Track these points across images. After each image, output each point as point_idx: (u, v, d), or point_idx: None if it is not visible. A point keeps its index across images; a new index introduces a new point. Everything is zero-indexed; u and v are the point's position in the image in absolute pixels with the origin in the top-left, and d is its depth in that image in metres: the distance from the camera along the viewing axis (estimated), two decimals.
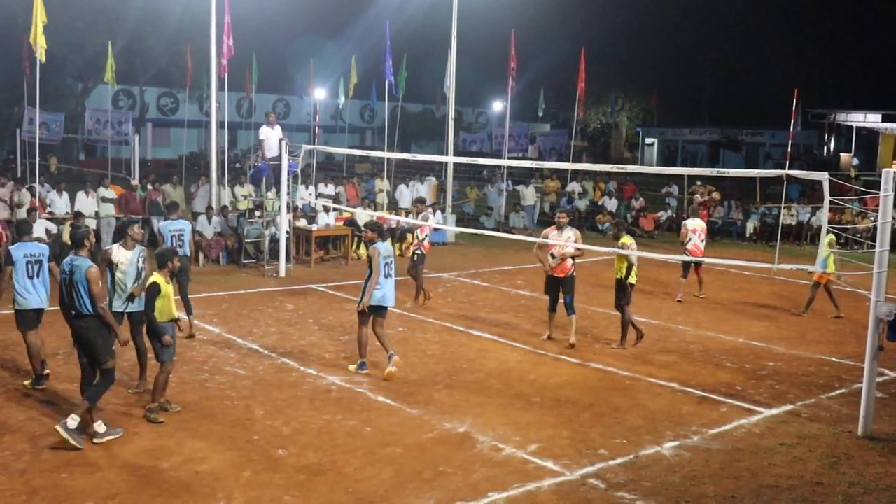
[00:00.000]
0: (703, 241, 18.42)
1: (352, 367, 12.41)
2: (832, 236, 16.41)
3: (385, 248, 12.31)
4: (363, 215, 22.73)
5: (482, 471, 8.91)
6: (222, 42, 23.59)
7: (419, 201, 18.66)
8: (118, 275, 10.71)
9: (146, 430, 9.69)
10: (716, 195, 30.09)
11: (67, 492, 8.10)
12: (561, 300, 14.17)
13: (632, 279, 14.18)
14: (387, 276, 12.19)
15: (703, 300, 18.45)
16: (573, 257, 14.12)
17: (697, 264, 18.28)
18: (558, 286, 14.16)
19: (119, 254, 10.74)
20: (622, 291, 14.17)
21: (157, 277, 10.06)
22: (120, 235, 12.67)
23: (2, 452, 8.94)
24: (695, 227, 18.48)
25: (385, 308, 12.37)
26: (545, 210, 32.19)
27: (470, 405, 11.00)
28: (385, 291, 12.20)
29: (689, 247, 18.26)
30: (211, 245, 20.95)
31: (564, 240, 14.02)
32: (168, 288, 10.11)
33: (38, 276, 11.21)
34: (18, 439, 9.30)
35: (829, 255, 15.97)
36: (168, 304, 10.03)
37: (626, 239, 14.36)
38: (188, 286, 14.22)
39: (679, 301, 18.19)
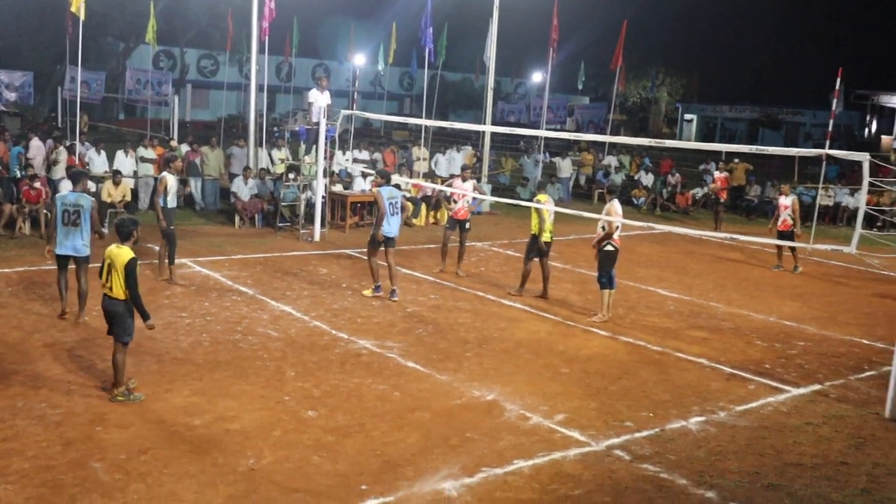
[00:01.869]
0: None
1: (367, 293, 14.59)
2: None
3: (388, 191, 14.63)
4: (400, 182, 22.80)
5: (508, 438, 8.97)
6: (264, 4, 23.63)
7: (464, 169, 18.50)
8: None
9: (179, 387, 9.83)
10: (740, 167, 30.01)
11: (101, 445, 8.25)
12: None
13: (546, 237, 14.97)
14: (393, 213, 14.59)
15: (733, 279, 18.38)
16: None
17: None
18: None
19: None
20: (533, 245, 15.04)
21: (131, 250, 9.43)
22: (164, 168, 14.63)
23: (38, 404, 9.12)
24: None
25: (393, 238, 14.71)
26: (580, 183, 32.07)
27: (499, 374, 11.06)
28: (392, 226, 14.59)
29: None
30: (247, 207, 21.05)
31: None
32: None
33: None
34: (55, 392, 9.47)
35: None
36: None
37: (542, 196, 15.20)
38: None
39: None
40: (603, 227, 14.10)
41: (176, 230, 14.98)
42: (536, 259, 15.25)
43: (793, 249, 19.20)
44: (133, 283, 9.32)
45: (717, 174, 26.59)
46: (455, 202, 16.83)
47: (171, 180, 14.87)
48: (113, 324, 9.49)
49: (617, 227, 14.08)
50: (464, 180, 17.25)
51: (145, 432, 8.60)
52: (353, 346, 11.86)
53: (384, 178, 15.21)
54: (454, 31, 34.42)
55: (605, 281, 14.13)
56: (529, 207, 15.56)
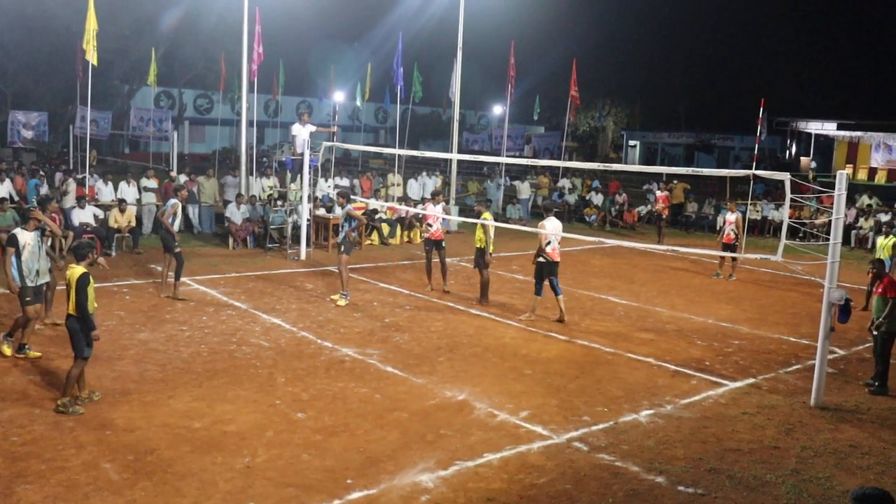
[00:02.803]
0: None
1: (335, 297, 14.95)
2: (895, 238, 16.41)
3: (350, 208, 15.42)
4: (376, 205, 22.77)
5: (479, 434, 8.93)
6: (253, 49, 23.56)
7: (434, 194, 18.42)
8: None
9: (181, 393, 9.71)
10: (679, 187, 30.29)
11: (111, 447, 8.13)
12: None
13: (490, 248, 15.17)
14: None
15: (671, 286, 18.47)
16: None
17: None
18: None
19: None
20: (482, 257, 15.17)
21: (82, 268, 9.12)
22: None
23: (53, 411, 8.97)
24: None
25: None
26: (538, 203, 32.12)
27: (469, 376, 11.01)
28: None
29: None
30: (240, 230, 20.90)
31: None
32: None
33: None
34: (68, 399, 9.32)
35: (890, 255, 15.92)
36: (92, 295, 9.12)
37: (487, 214, 15.48)
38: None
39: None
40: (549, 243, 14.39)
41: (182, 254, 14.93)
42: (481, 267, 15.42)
43: (733, 259, 19.29)
44: (84, 297, 8.94)
45: (658, 193, 26.57)
46: (430, 225, 16.71)
47: (179, 207, 15.21)
48: (71, 339, 9.13)
49: (548, 242, 14.23)
50: (435, 204, 17.15)
51: (151, 435, 8.48)
52: (337, 353, 11.78)
53: (346, 198, 15.78)
54: (423, 69, 34.42)
55: (538, 287, 14.44)
56: (528, 232, 15.59)
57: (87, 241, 9.77)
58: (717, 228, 19.71)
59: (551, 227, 14.16)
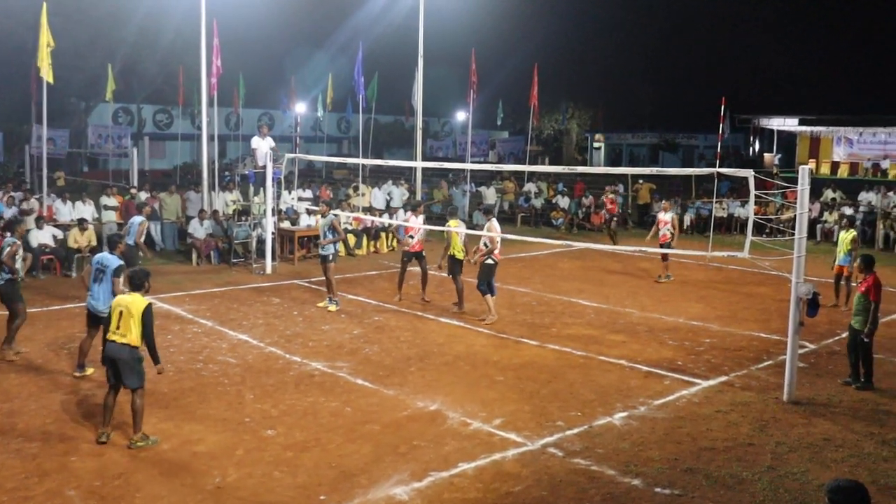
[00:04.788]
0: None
1: (323, 304, 15.38)
2: (854, 233, 16.32)
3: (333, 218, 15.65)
4: (341, 216, 22.62)
5: (452, 444, 8.87)
6: (212, 62, 23.40)
7: (416, 206, 18.04)
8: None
9: (147, 415, 9.52)
10: (644, 187, 30.48)
11: (76, 473, 7.97)
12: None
13: (461, 255, 15.23)
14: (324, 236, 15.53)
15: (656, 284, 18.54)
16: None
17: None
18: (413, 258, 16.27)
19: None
20: (456, 266, 15.24)
21: (144, 299, 8.87)
22: (111, 246, 12.76)
23: (15, 439, 8.80)
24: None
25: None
26: (504, 208, 32.17)
27: (440, 385, 10.96)
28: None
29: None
30: (203, 246, 20.69)
31: (419, 224, 16.30)
32: None
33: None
34: (30, 427, 9.15)
35: (849, 250, 15.92)
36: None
37: (453, 222, 15.40)
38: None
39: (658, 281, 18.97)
40: (485, 244, 14.57)
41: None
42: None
43: (664, 258, 19.15)
44: (151, 330, 8.80)
45: (605, 197, 26.42)
46: (412, 237, 16.48)
47: (147, 224, 15.63)
48: (123, 371, 8.72)
49: (497, 243, 14.54)
50: (417, 216, 16.94)
51: (117, 458, 8.33)
52: (306, 367, 11.67)
53: (329, 207, 16.06)
54: (385, 78, 34.38)
55: (485, 288, 14.56)
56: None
57: (142, 269, 9.31)
58: (654, 231, 19.44)
59: (498, 229, 14.44)
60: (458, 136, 51.83)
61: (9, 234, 12.98)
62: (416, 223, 16.63)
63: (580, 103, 66.55)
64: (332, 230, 15.49)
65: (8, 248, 11.84)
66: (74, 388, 10.50)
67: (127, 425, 9.12)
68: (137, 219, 15.57)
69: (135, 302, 8.75)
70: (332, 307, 15.29)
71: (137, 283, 8.94)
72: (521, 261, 21.92)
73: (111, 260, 11.01)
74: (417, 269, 16.60)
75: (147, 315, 8.72)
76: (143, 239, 15.42)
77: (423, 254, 16.61)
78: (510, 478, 8.05)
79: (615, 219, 25.60)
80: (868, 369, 11.11)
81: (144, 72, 48.06)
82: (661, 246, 19.00)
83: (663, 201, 20.70)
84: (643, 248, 16.86)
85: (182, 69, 37.81)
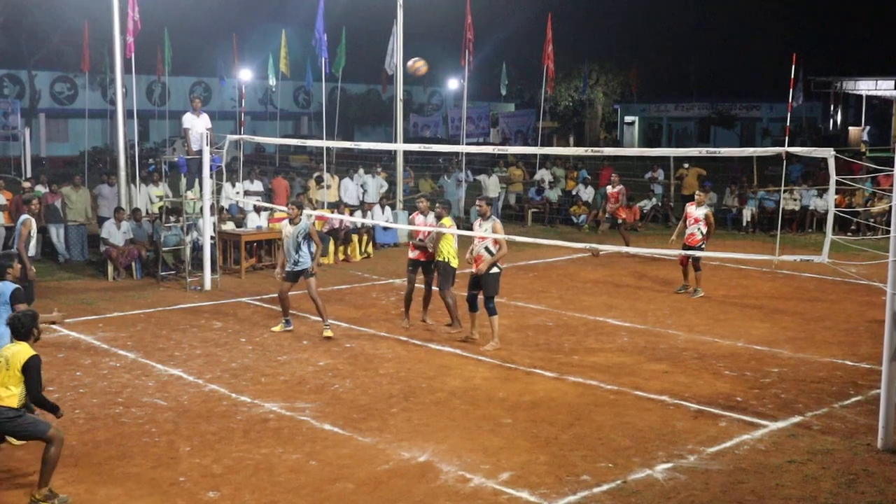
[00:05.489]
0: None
1: (326, 332, 15.29)
2: None
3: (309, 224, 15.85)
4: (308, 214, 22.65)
5: None
6: (126, 16, 23.28)
7: (432, 201, 17.83)
8: None
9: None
10: (691, 173, 30.39)
11: None
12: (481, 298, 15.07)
13: (455, 262, 15.56)
14: None
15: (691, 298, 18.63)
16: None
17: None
18: (477, 283, 14.93)
19: None
20: (447, 274, 15.47)
21: (31, 348, 8.98)
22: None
23: None
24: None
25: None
26: (511, 203, 32.26)
27: (431, 430, 11.00)
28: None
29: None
30: (122, 255, 20.68)
31: (483, 232, 14.92)
32: None
33: None
34: None
35: None
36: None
37: (448, 220, 15.60)
38: None
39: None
40: (488, 250, 14.60)
41: (34, 285, 14.65)
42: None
43: (696, 269, 19.02)
44: (37, 385, 8.87)
45: (610, 190, 25.24)
46: (422, 241, 16.06)
47: (34, 224, 14.87)
48: (7, 432, 8.97)
49: (505, 247, 14.77)
50: (425, 214, 16.23)
51: None
52: (257, 410, 11.71)
53: (300, 208, 16.06)
54: (353, 37, 34.44)
55: (494, 307, 14.68)
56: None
57: (29, 311, 9.39)
58: (683, 226, 19.21)
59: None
60: (450, 109, 52.12)
61: None
62: (428, 225, 16.05)
63: (607, 66, 66.79)
64: (308, 240, 15.56)
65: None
66: None
67: (10, 491, 9.13)
68: (21, 217, 15.34)
69: (18, 353, 8.84)
70: (328, 332, 15.33)
71: (23, 331, 9.01)
72: (532, 269, 22.01)
73: (2, 287, 10.92)
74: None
75: (32, 369, 8.79)
76: (29, 246, 14.73)
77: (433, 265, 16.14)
78: None
79: (621, 223, 24.94)
80: None
81: (37, 28, 47.87)
82: (685, 248, 18.78)
83: (697, 191, 20.48)
84: (689, 252, 16.89)
85: (87, 25, 37.76)
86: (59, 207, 22.52)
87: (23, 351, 8.84)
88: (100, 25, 32.23)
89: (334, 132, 34.82)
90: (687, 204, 20.06)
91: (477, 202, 15.72)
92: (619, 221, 24.97)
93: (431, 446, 10.46)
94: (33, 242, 15.04)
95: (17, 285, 10.93)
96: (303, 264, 15.58)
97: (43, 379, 9.04)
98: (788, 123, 25.94)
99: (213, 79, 56.17)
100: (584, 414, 11.63)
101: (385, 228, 24.99)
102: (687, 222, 19.00)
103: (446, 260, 15.38)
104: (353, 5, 46.86)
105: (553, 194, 31.68)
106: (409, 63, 15.04)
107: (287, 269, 15.73)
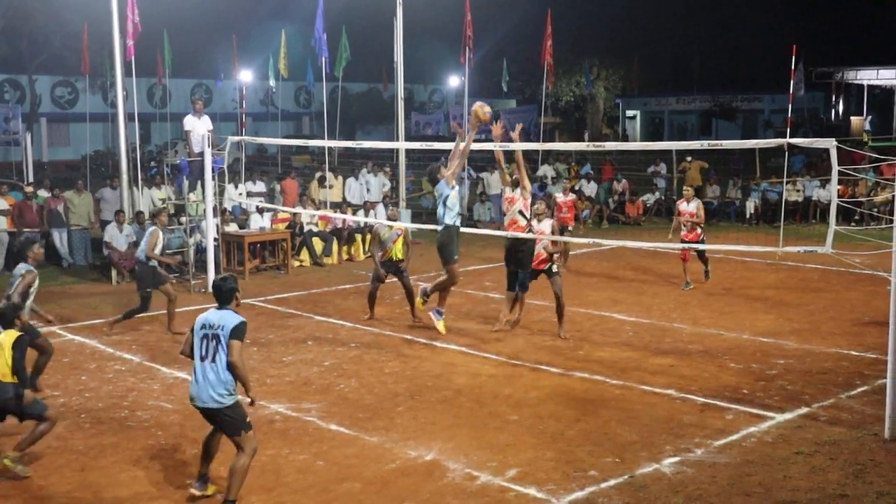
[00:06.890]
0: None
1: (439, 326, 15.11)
2: None
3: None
4: (305, 216, 22.69)
5: (454, 503, 8.92)
6: (126, 18, 23.26)
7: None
8: None
9: (57, 482, 9.55)
10: (694, 166, 30.37)
11: None
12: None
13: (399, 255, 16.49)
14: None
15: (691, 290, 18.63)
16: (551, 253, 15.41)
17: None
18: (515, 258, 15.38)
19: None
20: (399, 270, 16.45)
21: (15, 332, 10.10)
22: (20, 257, 12.84)
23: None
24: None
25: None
26: None
27: (437, 429, 11.00)
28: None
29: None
30: (125, 259, 20.67)
31: (540, 231, 15.06)
32: None
33: None
34: None
35: None
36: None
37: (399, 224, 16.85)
38: None
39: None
40: (521, 213, 15.16)
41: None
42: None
43: (703, 261, 19.29)
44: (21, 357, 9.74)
45: (560, 199, 23.04)
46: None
47: (160, 235, 15.98)
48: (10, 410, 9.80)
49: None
50: (539, 216, 15.63)
51: None
52: (263, 411, 11.69)
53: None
54: (355, 36, 34.41)
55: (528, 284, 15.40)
56: (502, 237, 15.74)
57: (12, 304, 10.58)
58: (680, 222, 19.16)
59: None
60: (452, 107, 52.02)
61: None
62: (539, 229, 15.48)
63: (608, 60, 66.70)
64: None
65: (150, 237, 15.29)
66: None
67: (16, 496, 9.15)
68: (150, 228, 16.09)
69: (9, 334, 9.90)
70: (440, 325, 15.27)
71: (7, 319, 10.23)
72: None
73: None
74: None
75: (19, 346, 9.74)
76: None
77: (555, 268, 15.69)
78: None
79: (570, 230, 23.72)
80: None
81: (36, 32, 47.86)
82: (684, 241, 18.87)
83: (685, 188, 20.42)
84: (691, 245, 16.86)
85: (87, 28, 37.73)
86: (62, 212, 22.51)
87: (11, 333, 9.87)
88: (99, 28, 32.18)
89: (336, 132, 34.77)
90: (678, 202, 20.06)
91: (535, 203, 15.77)
92: (569, 228, 23.12)
93: (438, 444, 10.45)
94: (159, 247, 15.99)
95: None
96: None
97: (45, 382, 9.24)
98: (790, 115, 25.92)
99: (212, 80, 56.19)
100: (590, 409, 11.62)
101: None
102: (681, 219, 19.07)
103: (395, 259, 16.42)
104: (352, 4, 46.83)
105: (556, 189, 31.57)
106: (477, 106, 15.07)
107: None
